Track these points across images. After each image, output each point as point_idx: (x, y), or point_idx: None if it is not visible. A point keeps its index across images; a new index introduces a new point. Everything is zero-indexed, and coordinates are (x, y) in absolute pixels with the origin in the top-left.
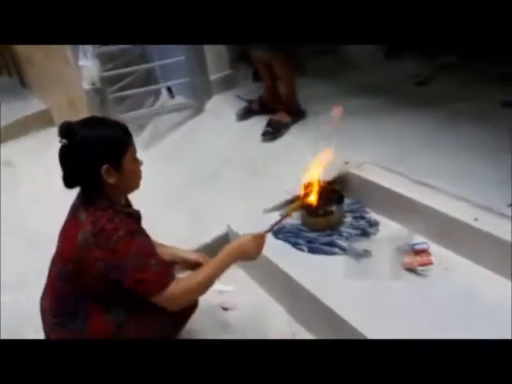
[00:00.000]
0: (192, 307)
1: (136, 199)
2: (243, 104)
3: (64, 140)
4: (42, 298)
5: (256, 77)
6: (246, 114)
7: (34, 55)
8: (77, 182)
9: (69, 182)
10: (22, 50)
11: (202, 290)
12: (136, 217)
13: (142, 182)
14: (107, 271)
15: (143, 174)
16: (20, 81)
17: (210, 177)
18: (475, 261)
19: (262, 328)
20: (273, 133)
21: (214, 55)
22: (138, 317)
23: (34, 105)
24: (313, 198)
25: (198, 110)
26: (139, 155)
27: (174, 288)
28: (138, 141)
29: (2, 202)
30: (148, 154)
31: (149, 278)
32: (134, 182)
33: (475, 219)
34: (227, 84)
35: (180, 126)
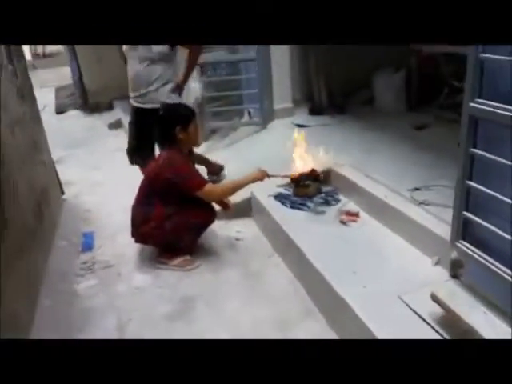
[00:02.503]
0: (213, 215)
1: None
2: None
3: (162, 111)
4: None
5: (312, 111)
6: None
7: None
8: (163, 136)
9: (159, 136)
10: None
11: (225, 194)
12: (191, 159)
13: (222, 159)
14: (172, 179)
15: (226, 161)
16: None
17: (255, 164)
18: (381, 222)
19: (253, 250)
20: None
21: (281, 90)
22: (180, 213)
23: None
24: (299, 175)
25: (263, 127)
26: (224, 151)
27: (209, 187)
28: (224, 141)
29: None
30: (228, 149)
31: (194, 181)
32: (193, 141)
33: (385, 196)
34: (286, 113)
35: (250, 136)
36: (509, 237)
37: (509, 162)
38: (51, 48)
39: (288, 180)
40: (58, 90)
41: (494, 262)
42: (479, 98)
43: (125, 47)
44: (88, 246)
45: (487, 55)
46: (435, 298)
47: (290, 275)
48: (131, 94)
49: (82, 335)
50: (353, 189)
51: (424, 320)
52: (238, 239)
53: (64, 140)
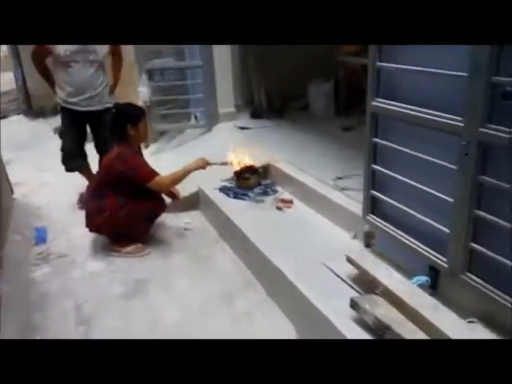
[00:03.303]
0: (163, 204)
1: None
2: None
3: (114, 110)
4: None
5: (253, 115)
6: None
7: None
8: (115, 131)
9: (112, 132)
10: None
11: (173, 183)
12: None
13: (170, 160)
14: (123, 172)
15: (174, 161)
16: None
17: None
18: (310, 206)
19: (201, 238)
20: None
21: (224, 96)
22: (131, 203)
23: None
24: (240, 169)
25: (208, 129)
26: (171, 152)
27: (158, 178)
28: (172, 143)
29: None
30: (175, 151)
31: (145, 173)
32: (142, 137)
33: (313, 185)
34: (230, 116)
35: (196, 138)
36: (406, 209)
37: (401, 148)
38: None
39: (229, 170)
40: (2, 94)
41: (395, 230)
42: (377, 97)
43: (64, 51)
44: (41, 238)
45: (382, 64)
46: (349, 259)
47: (235, 257)
48: (72, 100)
49: (41, 315)
50: (287, 180)
51: (342, 279)
52: (186, 229)
53: (10, 143)
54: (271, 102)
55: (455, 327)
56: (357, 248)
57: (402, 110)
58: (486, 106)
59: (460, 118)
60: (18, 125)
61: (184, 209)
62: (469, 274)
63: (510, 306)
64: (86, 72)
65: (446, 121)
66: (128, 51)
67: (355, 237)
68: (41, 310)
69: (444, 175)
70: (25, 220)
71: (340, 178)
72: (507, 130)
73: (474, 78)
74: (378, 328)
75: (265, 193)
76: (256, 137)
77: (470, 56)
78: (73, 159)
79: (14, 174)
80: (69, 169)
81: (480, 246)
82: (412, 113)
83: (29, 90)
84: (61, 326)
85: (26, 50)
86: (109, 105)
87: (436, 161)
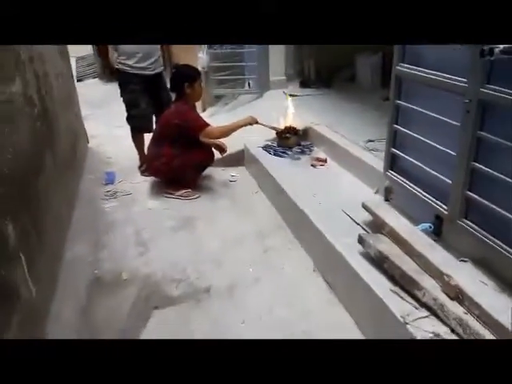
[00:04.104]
0: (212, 156)
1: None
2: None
3: (174, 70)
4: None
5: (302, 84)
6: None
7: (180, 54)
8: (174, 89)
9: (171, 89)
10: (175, 52)
11: (223, 135)
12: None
13: (225, 122)
14: (179, 124)
15: (230, 117)
16: None
17: None
18: (341, 165)
19: (243, 188)
20: None
21: (276, 65)
22: (185, 153)
23: None
24: (282, 131)
25: (260, 95)
26: (225, 115)
27: (209, 128)
28: (227, 107)
29: None
30: (230, 114)
31: (197, 124)
32: (197, 96)
33: (346, 145)
34: (280, 84)
35: (249, 103)
36: (419, 164)
37: (418, 108)
38: None
39: (273, 132)
40: (78, 59)
41: (409, 183)
42: (402, 62)
43: None
44: (110, 180)
45: None
46: (365, 206)
47: (269, 204)
48: (142, 65)
49: (108, 237)
50: (324, 141)
51: (357, 223)
52: (231, 181)
53: (86, 103)
54: (319, 73)
55: (445, 262)
56: (377, 201)
57: (420, 73)
58: (485, 69)
59: (465, 79)
60: (93, 87)
61: (231, 164)
62: (465, 220)
63: (498, 248)
64: None
65: (453, 82)
66: None
67: (377, 192)
68: (108, 233)
69: (451, 133)
70: (97, 165)
71: (372, 141)
72: (504, 90)
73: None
74: (379, 259)
75: (302, 152)
76: (302, 103)
77: None
78: (149, 120)
79: (89, 127)
80: (146, 130)
81: (475, 194)
82: (427, 76)
83: (103, 54)
84: (123, 245)
85: None
86: (162, 67)
87: (445, 119)
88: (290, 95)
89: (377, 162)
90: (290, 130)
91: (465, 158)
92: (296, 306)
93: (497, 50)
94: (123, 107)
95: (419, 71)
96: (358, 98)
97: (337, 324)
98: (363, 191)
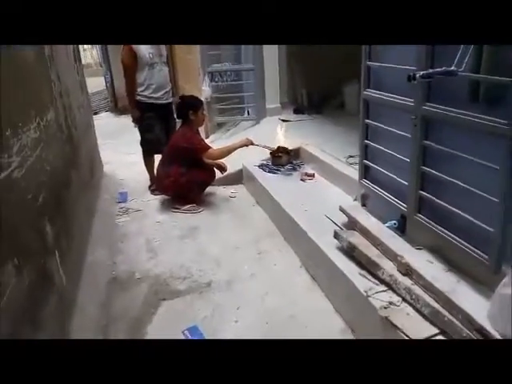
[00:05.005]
0: (213, 175)
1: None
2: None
3: (180, 100)
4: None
5: (296, 111)
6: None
7: (185, 87)
8: (180, 116)
9: (178, 116)
10: (181, 85)
11: (222, 155)
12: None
13: (229, 143)
14: (185, 147)
15: (231, 142)
16: None
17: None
18: (327, 179)
19: (242, 202)
20: None
21: (271, 94)
22: (190, 172)
23: None
24: (275, 151)
25: (258, 121)
26: (227, 140)
27: (211, 150)
28: (228, 133)
29: None
30: (230, 139)
31: (200, 146)
32: (200, 122)
33: (330, 162)
34: (275, 111)
35: (247, 128)
36: (385, 171)
37: (386, 127)
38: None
39: (268, 151)
40: (93, 94)
41: (379, 189)
42: (368, 88)
43: (148, 54)
44: (123, 199)
45: (371, 63)
46: (341, 209)
47: (265, 215)
48: (157, 95)
49: (122, 245)
50: (312, 159)
51: (336, 224)
52: (231, 196)
53: (100, 133)
54: (311, 100)
55: (402, 248)
56: (353, 205)
57: (381, 96)
58: (424, 90)
59: (412, 100)
60: (106, 119)
61: (231, 182)
62: (419, 215)
63: (445, 236)
64: (164, 71)
65: (404, 102)
66: (195, 57)
67: (356, 199)
68: (122, 242)
69: (406, 143)
70: (111, 186)
71: (352, 157)
72: (438, 106)
73: (418, 70)
74: (350, 249)
75: (293, 169)
76: (294, 127)
77: (416, 54)
78: (161, 144)
79: (103, 155)
80: (158, 152)
81: (425, 193)
82: (386, 98)
83: (116, 91)
84: (136, 252)
85: (116, 57)
86: (172, 98)
87: (401, 133)
88: (284, 120)
89: (355, 174)
90: (282, 150)
91: (415, 164)
92: (284, 296)
93: (417, 76)
94: (134, 137)
95: (380, 94)
96: (344, 121)
97: (318, 308)
98: (345, 199)
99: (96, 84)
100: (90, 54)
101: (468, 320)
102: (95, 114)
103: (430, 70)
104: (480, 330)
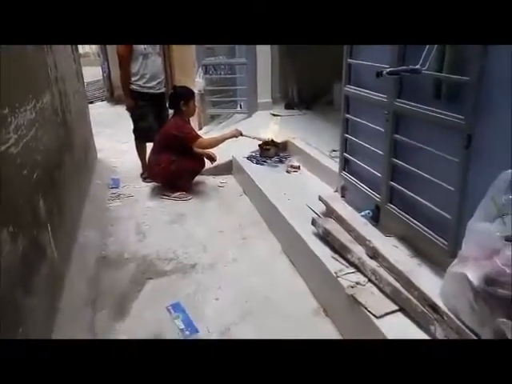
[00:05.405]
0: (203, 164)
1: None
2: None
3: (173, 90)
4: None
5: (287, 106)
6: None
7: (180, 78)
8: (172, 106)
9: (170, 106)
10: (177, 77)
11: (212, 145)
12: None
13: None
14: (177, 135)
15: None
16: None
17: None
18: (311, 171)
19: (230, 192)
20: None
21: (263, 89)
22: (180, 160)
23: None
24: (264, 143)
25: (250, 115)
26: (219, 132)
27: (200, 139)
28: (220, 126)
29: None
30: (224, 130)
31: (191, 135)
32: (191, 112)
33: (315, 155)
34: (267, 106)
35: (239, 122)
36: (366, 167)
37: (363, 121)
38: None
39: (257, 142)
40: (88, 84)
41: (356, 181)
42: (348, 84)
43: (143, 46)
44: (115, 185)
45: (352, 60)
46: (320, 198)
47: (251, 204)
48: (150, 84)
49: (113, 228)
50: (298, 152)
51: (316, 213)
52: (220, 186)
53: (95, 122)
54: (302, 97)
55: (372, 235)
56: (333, 196)
57: (360, 92)
58: (396, 87)
59: (385, 96)
60: (101, 109)
61: (221, 172)
62: (390, 205)
63: (413, 225)
64: (158, 61)
65: (379, 98)
66: (191, 50)
67: (336, 190)
68: (113, 225)
69: (380, 137)
70: (105, 172)
71: (335, 151)
72: (408, 102)
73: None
74: (325, 234)
75: (280, 161)
76: (284, 122)
77: (390, 53)
78: (153, 131)
79: (98, 142)
80: (150, 139)
81: (396, 184)
82: (364, 94)
83: (112, 80)
84: (125, 234)
85: (113, 48)
86: (165, 88)
87: (376, 127)
88: (274, 115)
89: (337, 166)
90: (270, 143)
91: (387, 156)
92: (264, 278)
93: (384, 72)
94: (128, 126)
95: (359, 91)
96: (332, 118)
97: (295, 290)
98: (326, 191)
99: (93, 73)
100: None
101: (423, 297)
102: (90, 103)
103: (397, 68)
104: (432, 305)
